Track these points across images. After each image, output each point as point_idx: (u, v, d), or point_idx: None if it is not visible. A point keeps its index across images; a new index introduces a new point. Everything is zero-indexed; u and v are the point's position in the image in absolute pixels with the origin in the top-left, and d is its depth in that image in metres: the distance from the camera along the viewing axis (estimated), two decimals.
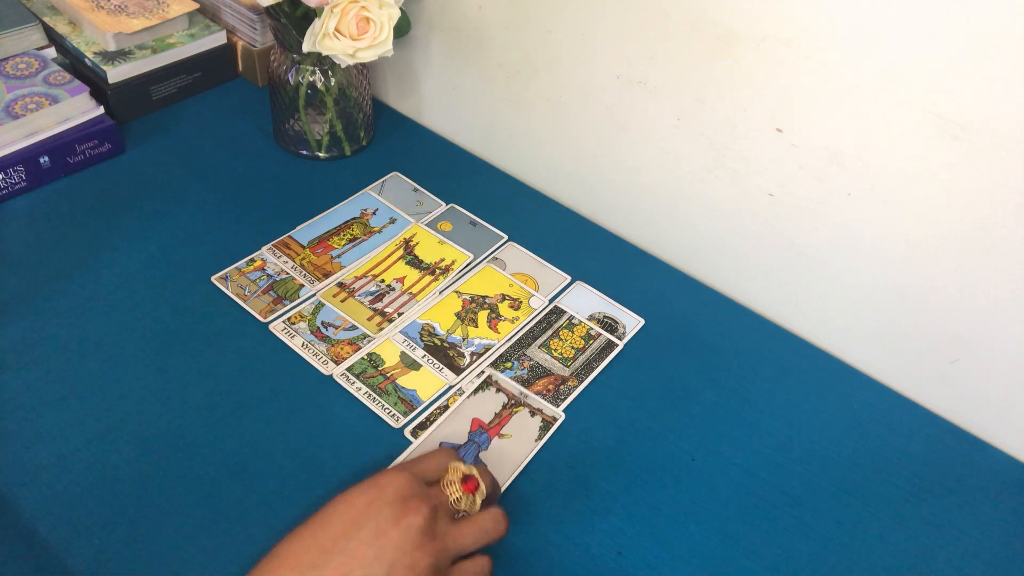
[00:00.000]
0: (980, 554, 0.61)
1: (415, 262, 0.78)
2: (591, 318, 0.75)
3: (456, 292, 0.76)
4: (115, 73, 0.86)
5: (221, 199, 0.82)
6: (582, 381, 0.69)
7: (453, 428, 0.65)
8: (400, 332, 0.71)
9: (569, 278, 0.79)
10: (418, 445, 0.63)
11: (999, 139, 0.58)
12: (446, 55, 0.90)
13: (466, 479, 0.53)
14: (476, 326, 0.73)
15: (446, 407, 0.66)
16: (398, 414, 0.65)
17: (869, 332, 0.74)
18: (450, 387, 0.68)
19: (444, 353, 0.70)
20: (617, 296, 0.77)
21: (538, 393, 0.68)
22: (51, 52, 0.87)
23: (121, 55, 0.88)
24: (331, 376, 0.67)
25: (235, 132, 0.91)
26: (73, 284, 0.71)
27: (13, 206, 0.78)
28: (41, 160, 0.79)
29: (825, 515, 0.63)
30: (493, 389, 0.68)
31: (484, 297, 0.76)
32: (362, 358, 0.69)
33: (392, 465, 0.60)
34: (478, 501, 0.53)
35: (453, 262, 0.79)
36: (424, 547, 0.48)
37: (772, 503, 0.63)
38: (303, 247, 0.78)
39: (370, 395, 0.66)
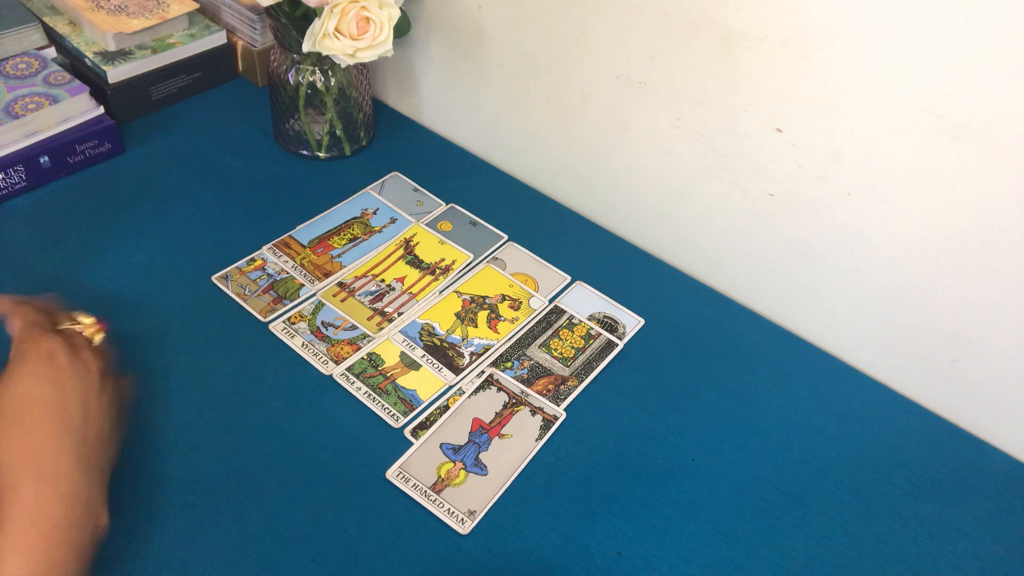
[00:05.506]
0: (980, 554, 0.61)
1: (415, 262, 0.78)
2: (591, 318, 0.75)
3: (456, 292, 0.76)
4: (115, 73, 0.86)
5: (221, 199, 0.82)
6: (582, 381, 0.69)
7: (454, 428, 0.65)
8: (400, 332, 0.71)
9: (569, 278, 0.79)
10: (419, 445, 0.63)
11: (999, 139, 0.58)
12: (446, 55, 0.90)
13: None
14: (476, 326, 0.73)
15: (447, 407, 0.66)
16: (398, 414, 0.65)
17: (869, 332, 0.74)
18: (450, 387, 0.68)
19: (444, 353, 0.70)
20: (617, 296, 0.77)
21: (538, 393, 0.68)
22: (51, 52, 0.87)
23: (121, 55, 0.88)
24: (331, 376, 0.67)
25: (235, 132, 0.90)
26: (73, 284, 0.71)
27: (13, 206, 0.78)
28: (41, 160, 0.79)
29: (825, 515, 0.63)
30: (494, 388, 0.68)
31: (484, 297, 0.76)
32: (362, 358, 0.69)
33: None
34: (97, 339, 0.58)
35: (453, 262, 0.79)
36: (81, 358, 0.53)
37: (772, 503, 0.63)
38: (303, 247, 0.78)
39: (370, 395, 0.66)
